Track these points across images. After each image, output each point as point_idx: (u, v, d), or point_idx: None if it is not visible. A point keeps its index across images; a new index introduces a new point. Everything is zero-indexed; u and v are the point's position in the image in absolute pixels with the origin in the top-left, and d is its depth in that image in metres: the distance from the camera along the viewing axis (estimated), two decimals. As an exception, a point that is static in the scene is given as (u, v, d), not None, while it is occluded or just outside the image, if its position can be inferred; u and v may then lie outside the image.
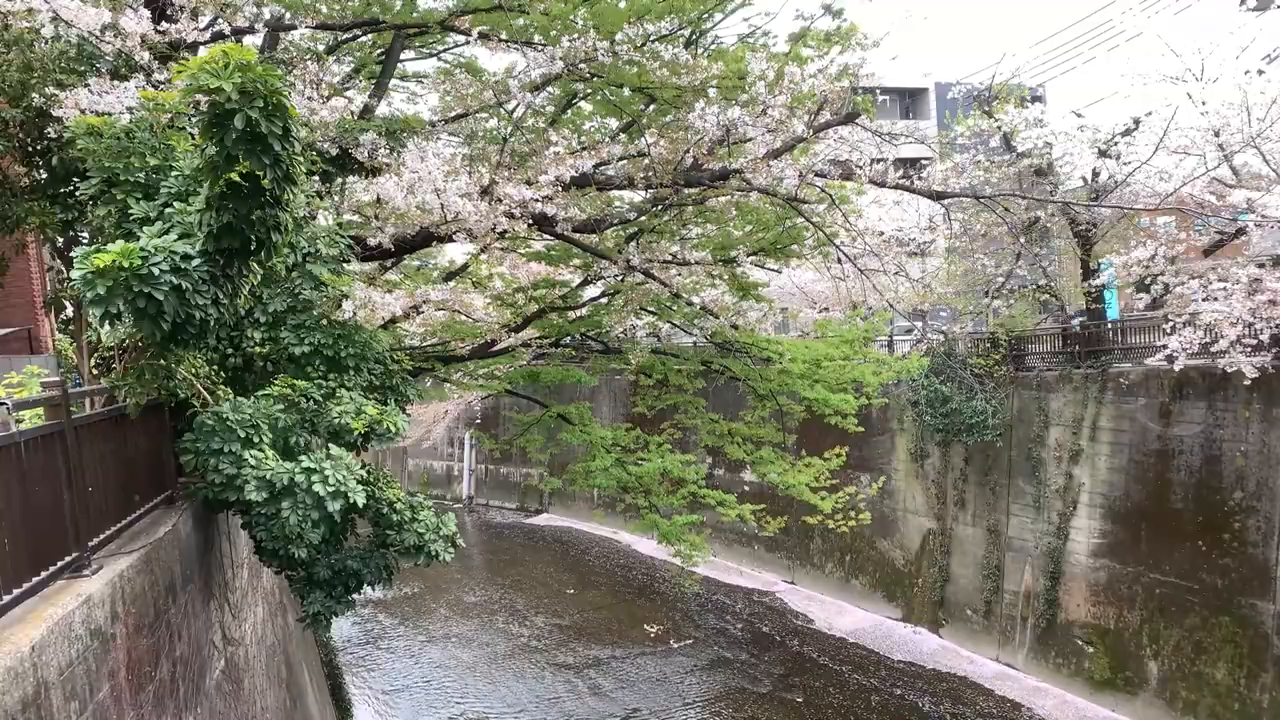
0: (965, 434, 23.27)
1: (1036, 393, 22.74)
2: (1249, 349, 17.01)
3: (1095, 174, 19.38)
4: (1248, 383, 17.24)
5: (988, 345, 24.00)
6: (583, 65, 11.22)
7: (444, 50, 15.27)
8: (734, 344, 16.85)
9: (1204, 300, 17.28)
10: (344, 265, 10.01)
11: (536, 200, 9.96)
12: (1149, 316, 20.29)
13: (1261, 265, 16.88)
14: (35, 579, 5.62)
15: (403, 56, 14.76)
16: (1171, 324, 18.15)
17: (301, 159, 6.72)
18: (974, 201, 13.81)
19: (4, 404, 6.07)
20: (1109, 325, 22.34)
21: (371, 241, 10.39)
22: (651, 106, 13.87)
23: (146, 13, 8.38)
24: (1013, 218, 16.24)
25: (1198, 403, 18.84)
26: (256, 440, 8.07)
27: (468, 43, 13.72)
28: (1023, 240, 18.82)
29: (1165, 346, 17.95)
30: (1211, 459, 18.61)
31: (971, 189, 17.16)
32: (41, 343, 16.48)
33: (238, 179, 6.34)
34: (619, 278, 14.55)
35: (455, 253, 22.30)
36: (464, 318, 13.72)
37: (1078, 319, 23.37)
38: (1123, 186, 17.51)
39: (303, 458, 7.92)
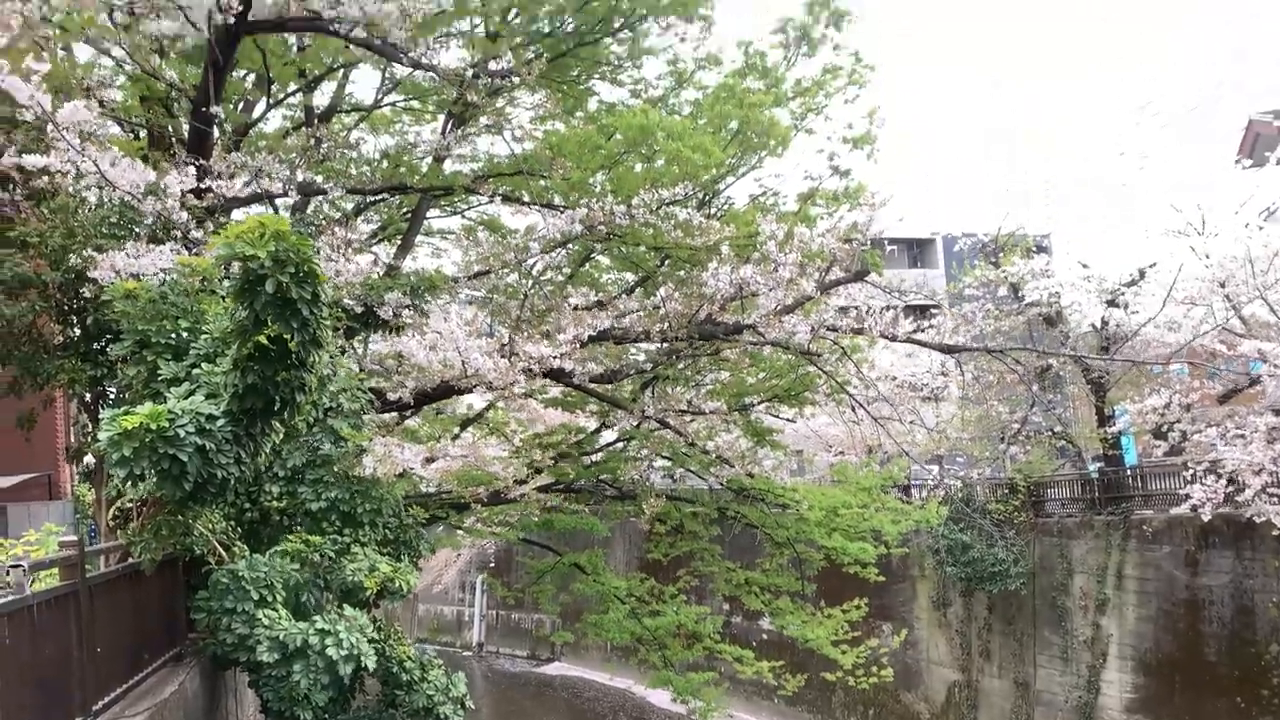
0: (988, 582, 22.75)
1: (1058, 539, 22.34)
2: (1275, 498, 16.80)
3: (1105, 323, 19.63)
4: (1277, 533, 16.95)
5: (1006, 491, 23.76)
6: (600, 226, 11.65)
7: (468, 209, 15.90)
8: (750, 490, 16.76)
9: (1224, 446, 17.19)
10: (364, 419, 10.17)
11: (554, 357, 10.19)
12: (1169, 463, 20.12)
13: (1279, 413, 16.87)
14: (40, 750, 5.51)
15: (428, 214, 15.37)
16: (1192, 471, 17.98)
17: (328, 321, 6.95)
18: (986, 352, 13.97)
19: (20, 565, 6.09)
20: (1128, 471, 22.14)
21: (392, 396, 10.58)
22: (666, 262, 14.31)
23: (191, 169, 8.83)
24: (1025, 368, 16.38)
25: (1225, 551, 18.45)
26: (270, 599, 8.02)
27: (491, 201, 14.36)
28: (1035, 388, 18.91)
29: (1189, 495, 17.73)
30: (1244, 610, 18.08)
31: (982, 340, 17.39)
32: (61, 489, 16.59)
33: (265, 341, 6.54)
34: (635, 424, 14.67)
35: (473, 397, 22.56)
36: (480, 468, 13.80)
37: (1096, 465, 23.19)
38: (1133, 337, 17.72)
39: (316, 618, 7.84)
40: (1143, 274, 18.66)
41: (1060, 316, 20.84)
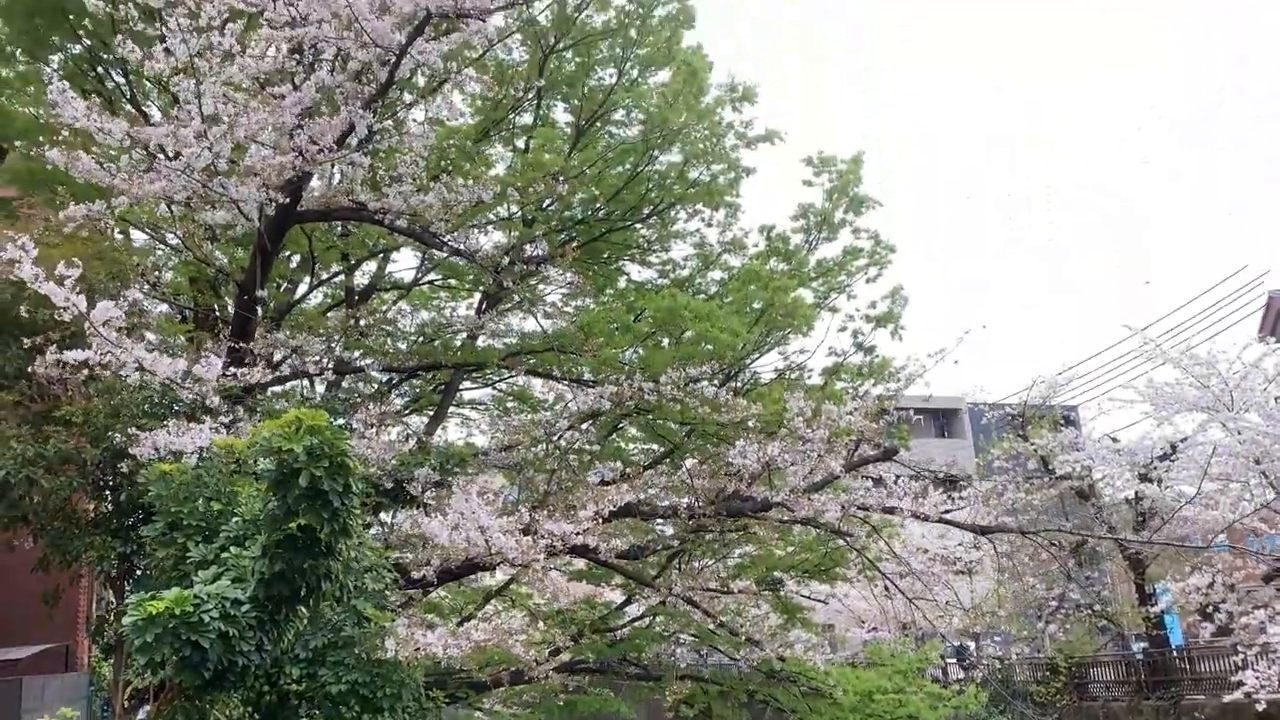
0: (1033, 772, 21.47)
1: (1105, 726, 21.21)
2: (1331, 686, 15.95)
3: (1138, 497, 19.29)
4: (1337, 724, 16.01)
5: (1047, 672, 22.76)
6: (629, 402, 11.81)
7: (499, 380, 16.19)
8: (781, 672, 16.17)
9: (1273, 628, 16.48)
10: (388, 598, 10.04)
11: (577, 534, 10.14)
12: (1217, 645, 19.29)
13: (1328, 594, 16.24)
14: None
15: (459, 386, 15.66)
16: (1243, 655, 17.19)
17: (358, 511, 6.99)
18: (1018, 533, 13.74)
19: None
20: (1175, 653, 21.22)
21: (415, 575, 10.49)
22: (692, 435, 14.38)
23: (218, 362, 9.12)
24: (1060, 545, 16.04)
25: (1285, 744, 17.35)
26: (283, 794, 7.71)
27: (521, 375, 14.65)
28: (1072, 564, 18.43)
29: (1241, 681, 16.89)
30: (1311, 811, 16.84)
31: (1014, 513, 17.13)
32: (79, 660, 16.31)
33: (295, 530, 6.57)
34: (660, 601, 14.36)
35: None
36: (501, 648, 13.48)
37: (1140, 645, 22.27)
38: (1171, 518, 17.36)
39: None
40: (1174, 448, 18.45)
41: (1093, 490, 20.51)
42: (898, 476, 12.81)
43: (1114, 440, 20.01)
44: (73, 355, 8.05)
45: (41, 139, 8.87)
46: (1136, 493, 19.46)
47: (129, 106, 11.83)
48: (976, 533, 12.50)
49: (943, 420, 43.22)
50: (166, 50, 8.67)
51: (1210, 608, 18.18)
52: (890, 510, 11.77)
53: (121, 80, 11.89)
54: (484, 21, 8.44)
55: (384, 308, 14.56)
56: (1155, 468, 18.72)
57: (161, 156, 8.59)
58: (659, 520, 15.42)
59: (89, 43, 11.39)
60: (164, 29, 8.28)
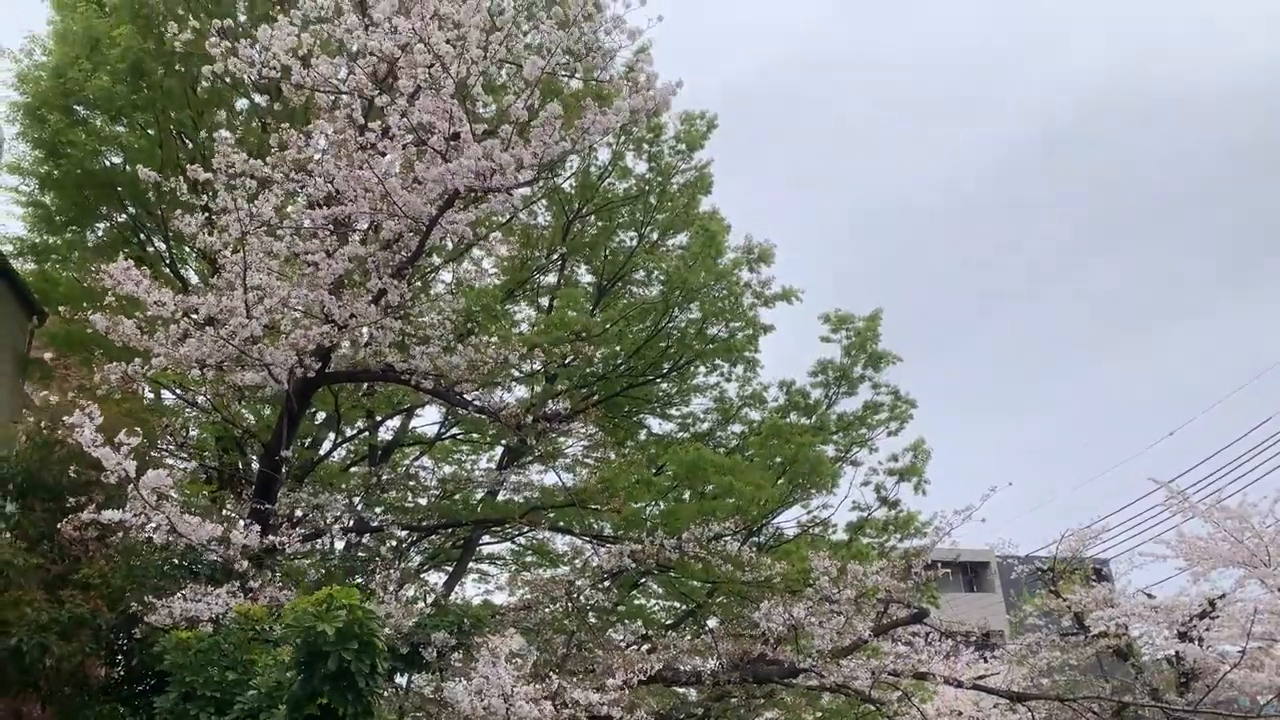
0: None
1: None
2: None
3: (1179, 656, 18.51)
4: None
5: None
6: (650, 560, 11.64)
7: (518, 534, 16.02)
8: None
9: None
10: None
11: (603, 704, 9.79)
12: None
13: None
14: None
15: (479, 541, 15.49)
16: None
17: (380, 690, 6.81)
18: (1056, 700, 13.17)
19: None
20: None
21: (432, 745, 10.11)
22: (716, 594, 14.09)
23: (257, 526, 9.08)
24: (1097, 715, 15.35)
25: None
26: None
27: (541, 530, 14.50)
28: (1115, 731, 17.52)
29: None
30: None
31: (1050, 675, 16.48)
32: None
33: (316, 710, 6.39)
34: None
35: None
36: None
37: (1194, 818, 20.89)
38: (1217, 685, 16.61)
39: None
40: (1213, 605, 17.82)
41: (1131, 649, 19.72)
42: (929, 633, 12.44)
43: (1150, 596, 19.35)
44: (109, 515, 8.06)
45: (86, 304, 9.16)
46: (1177, 652, 18.68)
47: (168, 270, 12.26)
48: (1013, 700, 12.00)
49: (971, 574, 42.20)
50: (209, 220, 9.07)
51: (1264, 777, 17.17)
52: (922, 675, 11.36)
53: (163, 246, 12.37)
54: (510, 195, 8.78)
55: (406, 462, 14.61)
56: (1194, 626, 18.04)
57: (199, 325, 8.83)
58: (683, 686, 14.94)
59: (134, 211, 11.92)
60: (212, 200, 8.66)
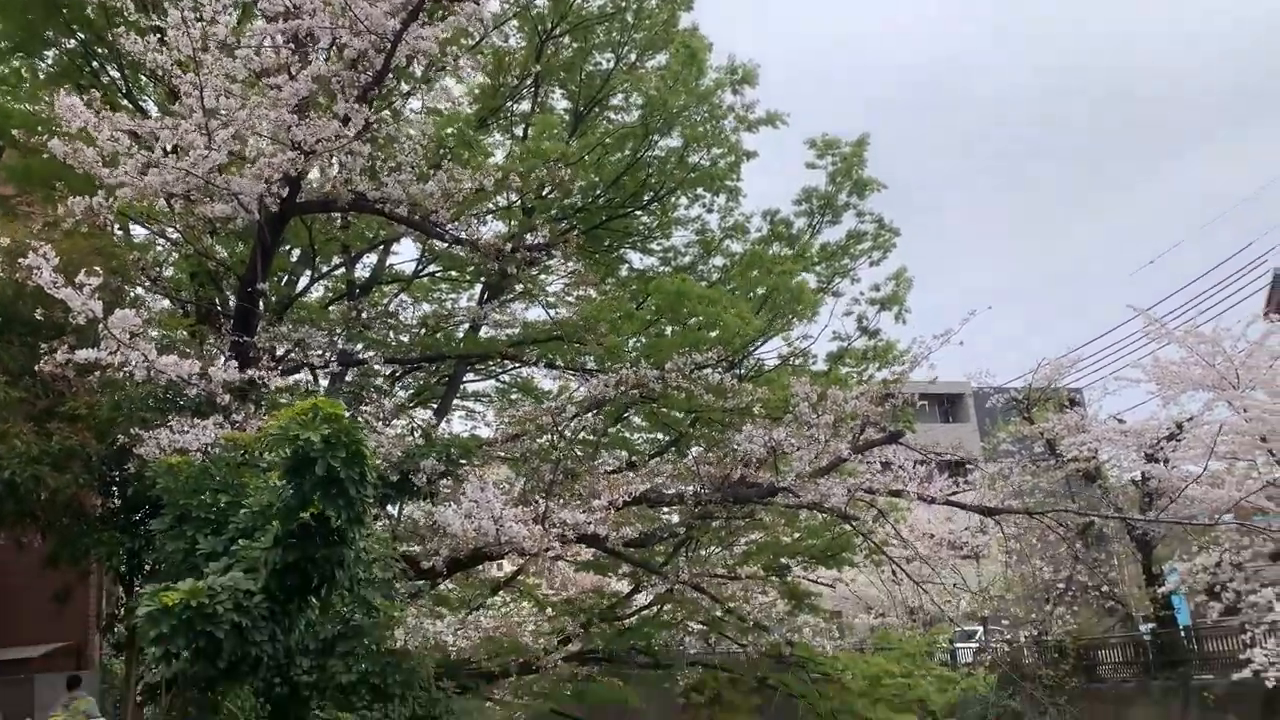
0: (1042, 754, 21.44)
1: (1114, 706, 21.16)
2: (1341, 662, 15.92)
3: (1145, 478, 19.23)
4: (1348, 700, 15.98)
5: (1055, 654, 22.71)
6: (634, 391, 11.76)
7: (503, 372, 16.14)
8: (789, 658, 16.16)
9: (1280, 606, 16.46)
10: (396, 588, 10.02)
11: (589, 523, 10.11)
12: (1225, 624, 19.24)
13: (1337, 571, 16.21)
14: None
15: (463, 378, 15.61)
16: (1251, 634, 17.16)
17: (372, 499, 6.96)
18: (1025, 514, 13.68)
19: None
20: (1183, 633, 21.18)
21: (425, 564, 10.47)
22: (698, 422, 14.35)
23: (234, 363, 9.07)
24: (1067, 526, 15.99)
25: (1296, 720, 17.33)
26: (296, 786, 7.70)
27: (526, 366, 14.59)
28: (1079, 546, 18.40)
29: (1249, 659, 16.86)
30: (1322, 787, 16.83)
31: (1020, 496, 17.07)
32: (89, 658, 16.28)
33: (309, 519, 6.54)
34: (668, 589, 14.34)
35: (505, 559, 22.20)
36: (510, 637, 13.48)
37: (1147, 626, 22.23)
38: (1177, 497, 17.26)
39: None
40: (1180, 428, 18.39)
41: (1099, 472, 20.45)
42: (904, 461, 12.77)
43: (1120, 421, 19.94)
44: (84, 355, 8.01)
45: (41, 131, 8.81)
46: (1143, 473, 19.39)
47: (126, 101, 11.76)
48: (983, 514, 12.46)
49: (947, 405, 43.14)
50: (162, 41, 8.61)
51: (1217, 587, 18.14)
52: (897, 493, 11.73)
53: (118, 75, 11.82)
54: (478, 5, 8.35)
55: (385, 300, 14.51)
56: (1161, 448, 18.65)
57: (163, 152, 8.52)
58: (666, 508, 15.43)
59: (84, 36, 11.32)
60: (163, 20, 8.21)
